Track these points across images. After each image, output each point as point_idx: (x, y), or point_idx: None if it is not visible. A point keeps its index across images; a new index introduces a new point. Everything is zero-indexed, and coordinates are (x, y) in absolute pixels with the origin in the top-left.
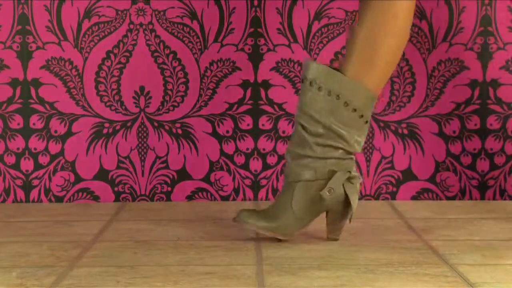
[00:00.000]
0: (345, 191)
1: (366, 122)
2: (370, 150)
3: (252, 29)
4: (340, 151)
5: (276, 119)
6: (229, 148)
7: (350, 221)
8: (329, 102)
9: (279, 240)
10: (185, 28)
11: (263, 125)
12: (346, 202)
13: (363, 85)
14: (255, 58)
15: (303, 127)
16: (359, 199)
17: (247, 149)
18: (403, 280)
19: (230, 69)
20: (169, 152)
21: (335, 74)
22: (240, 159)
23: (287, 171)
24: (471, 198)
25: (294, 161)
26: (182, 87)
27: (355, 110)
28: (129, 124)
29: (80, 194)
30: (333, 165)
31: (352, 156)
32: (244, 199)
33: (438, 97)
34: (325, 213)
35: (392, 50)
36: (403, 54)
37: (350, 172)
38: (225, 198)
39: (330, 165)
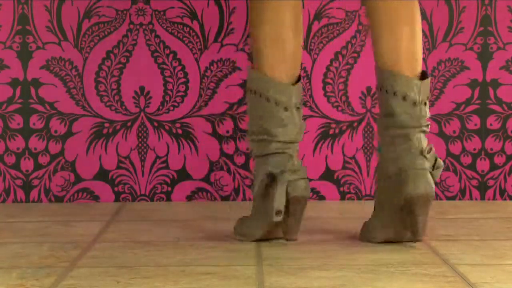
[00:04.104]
0: None
1: None
2: (370, 150)
3: None
4: None
5: None
6: (229, 148)
7: None
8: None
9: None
10: (185, 28)
11: None
12: None
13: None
14: None
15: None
16: (359, 198)
17: (247, 149)
18: (403, 280)
19: (230, 69)
20: (169, 152)
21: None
22: (240, 159)
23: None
24: (471, 198)
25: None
26: (182, 87)
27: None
28: (129, 124)
29: (80, 194)
30: None
31: None
32: (244, 199)
33: (438, 97)
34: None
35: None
36: None
37: None
38: (225, 198)
39: None
